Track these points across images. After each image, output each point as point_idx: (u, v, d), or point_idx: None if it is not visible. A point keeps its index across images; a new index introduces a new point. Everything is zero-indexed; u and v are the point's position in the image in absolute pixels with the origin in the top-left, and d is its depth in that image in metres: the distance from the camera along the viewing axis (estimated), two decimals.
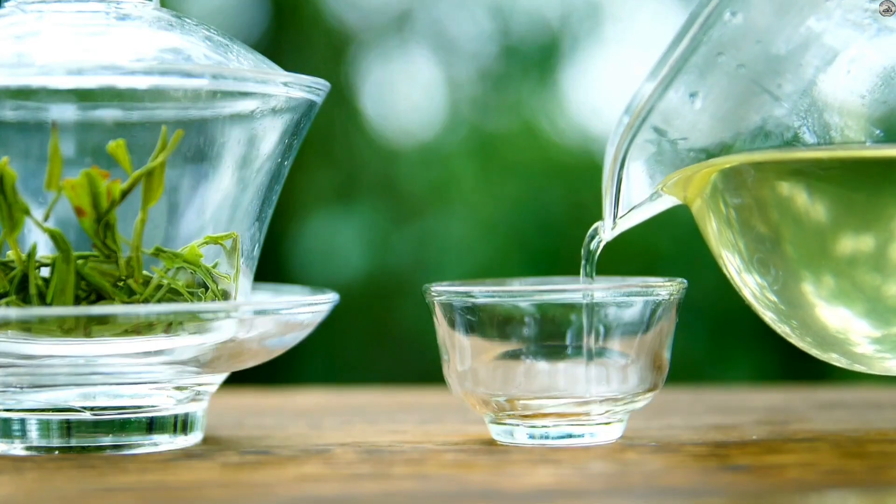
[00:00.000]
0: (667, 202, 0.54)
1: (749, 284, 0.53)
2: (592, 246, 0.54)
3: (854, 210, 0.50)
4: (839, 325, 0.52)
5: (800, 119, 0.51)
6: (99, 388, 0.51)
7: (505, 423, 0.52)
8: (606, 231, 0.53)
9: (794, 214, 0.51)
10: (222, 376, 0.54)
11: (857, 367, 0.54)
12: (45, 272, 0.50)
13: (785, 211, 0.51)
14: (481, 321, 0.52)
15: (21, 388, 0.51)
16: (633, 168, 0.52)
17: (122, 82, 0.49)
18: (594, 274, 0.54)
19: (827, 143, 0.51)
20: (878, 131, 0.51)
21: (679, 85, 0.51)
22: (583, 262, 0.54)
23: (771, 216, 0.51)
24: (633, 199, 0.53)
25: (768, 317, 0.54)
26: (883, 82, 0.51)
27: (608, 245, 0.54)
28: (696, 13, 0.52)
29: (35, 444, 0.52)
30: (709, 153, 0.52)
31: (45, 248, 0.51)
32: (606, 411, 0.51)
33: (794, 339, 0.54)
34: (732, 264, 0.53)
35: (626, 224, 0.54)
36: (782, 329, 0.54)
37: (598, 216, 0.54)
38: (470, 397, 0.52)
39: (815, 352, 0.54)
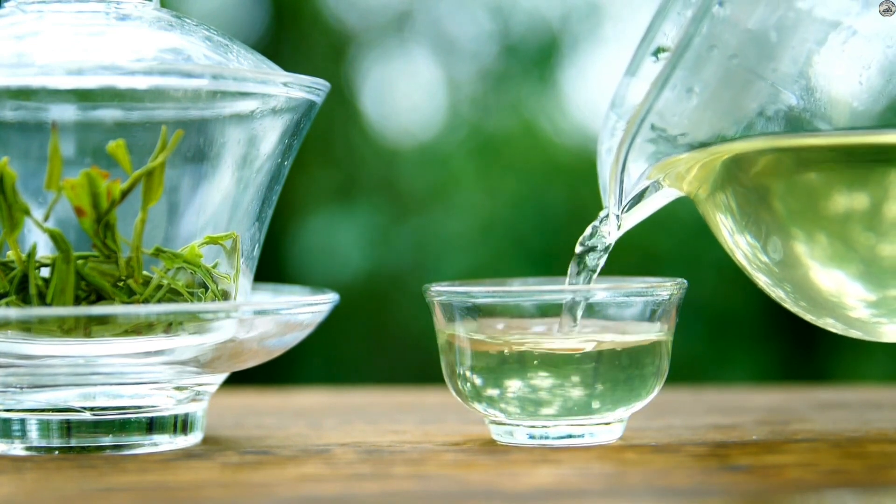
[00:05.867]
0: (668, 195, 0.54)
1: (741, 246, 0.53)
2: (594, 252, 0.54)
3: (848, 178, 0.50)
4: (833, 287, 0.51)
5: (798, 101, 0.51)
6: (99, 388, 0.51)
7: (505, 424, 0.52)
8: (612, 231, 0.53)
9: (789, 179, 0.50)
10: (222, 376, 0.54)
11: (853, 333, 0.53)
12: (45, 272, 0.50)
13: (779, 176, 0.51)
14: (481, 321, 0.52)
15: (21, 388, 0.51)
16: (634, 168, 0.52)
17: (122, 82, 0.49)
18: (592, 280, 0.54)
19: (827, 126, 0.51)
20: (875, 105, 0.51)
21: (674, 82, 0.51)
22: (572, 269, 0.54)
23: (766, 182, 0.51)
24: (634, 194, 0.53)
25: (762, 280, 0.53)
26: (878, 55, 0.51)
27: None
28: (663, 7, 0.53)
29: (35, 444, 0.52)
30: (708, 146, 0.52)
31: (45, 248, 0.51)
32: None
33: (789, 304, 0.53)
34: (725, 226, 0.53)
35: (631, 222, 0.54)
36: (776, 293, 0.53)
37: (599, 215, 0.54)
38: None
39: (809, 317, 0.53)
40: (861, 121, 0.51)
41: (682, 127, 0.51)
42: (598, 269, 0.54)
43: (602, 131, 0.55)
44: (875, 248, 0.50)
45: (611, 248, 0.54)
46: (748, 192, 0.51)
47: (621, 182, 0.53)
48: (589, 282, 0.54)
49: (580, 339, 0.51)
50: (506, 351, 0.51)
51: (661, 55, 0.54)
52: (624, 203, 0.53)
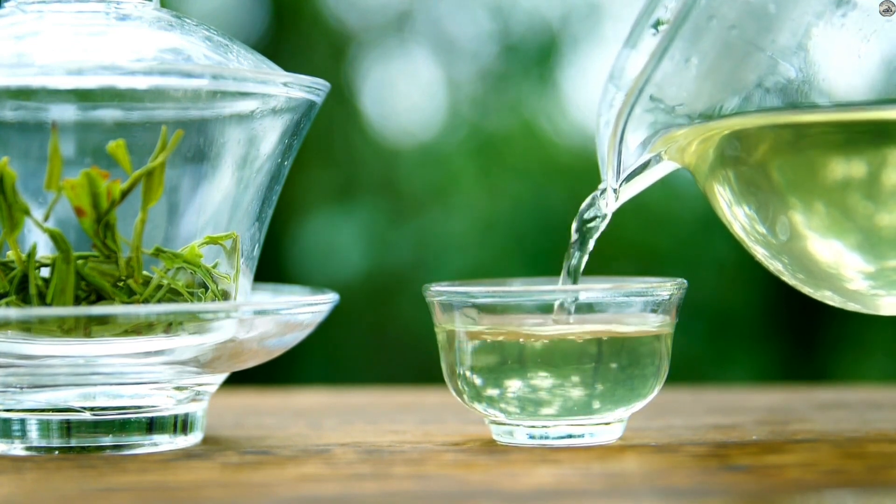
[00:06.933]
0: (667, 167, 0.54)
1: (739, 218, 0.53)
2: (593, 222, 0.53)
3: (846, 151, 0.50)
4: (831, 258, 0.51)
5: (797, 73, 0.50)
6: (99, 388, 0.51)
7: (505, 424, 0.52)
8: (609, 203, 0.53)
9: (788, 152, 0.50)
10: (222, 376, 0.54)
11: (851, 306, 0.53)
12: (45, 272, 0.50)
13: (778, 149, 0.51)
14: (481, 321, 0.52)
15: (21, 388, 0.51)
16: (633, 139, 0.52)
17: (122, 82, 0.49)
18: (586, 255, 0.54)
19: (825, 99, 0.51)
20: (874, 79, 0.51)
21: (673, 53, 0.51)
22: (573, 239, 0.53)
23: (764, 155, 0.51)
24: (634, 167, 0.53)
25: (760, 252, 0.53)
26: (876, 28, 0.51)
27: (609, 245, 0.54)
28: None
29: (35, 444, 0.52)
30: (707, 117, 0.52)
31: (45, 248, 0.51)
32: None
33: (787, 277, 0.53)
34: (723, 197, 0.53)
35: (628, 193, 0.54)
36: (774, 266, 0.53)
37: None
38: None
39: (807, 289, 0.53)
40: (859, 94, 0.51)
41: (680, 98, 0.51)
42: (591, 245, 0.54)
43: (600, 104, 0.54)
44: (873, 218, 0.50)
45: (608, 220, 0.54)
46: (747, 165, 0.51)
47: (619, 153, 0.52)
48: (579, 265, 0.54)
49: (578, 329, 0.51)
50: (505, 350, 0.51)
51: (661, 28, 0.53)
52: (622, 174, 0.53)
